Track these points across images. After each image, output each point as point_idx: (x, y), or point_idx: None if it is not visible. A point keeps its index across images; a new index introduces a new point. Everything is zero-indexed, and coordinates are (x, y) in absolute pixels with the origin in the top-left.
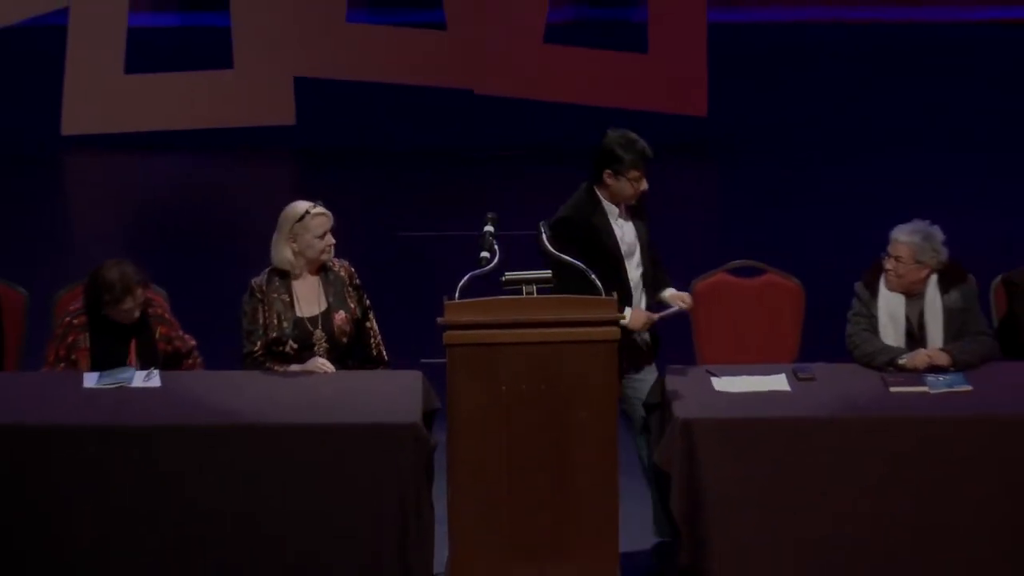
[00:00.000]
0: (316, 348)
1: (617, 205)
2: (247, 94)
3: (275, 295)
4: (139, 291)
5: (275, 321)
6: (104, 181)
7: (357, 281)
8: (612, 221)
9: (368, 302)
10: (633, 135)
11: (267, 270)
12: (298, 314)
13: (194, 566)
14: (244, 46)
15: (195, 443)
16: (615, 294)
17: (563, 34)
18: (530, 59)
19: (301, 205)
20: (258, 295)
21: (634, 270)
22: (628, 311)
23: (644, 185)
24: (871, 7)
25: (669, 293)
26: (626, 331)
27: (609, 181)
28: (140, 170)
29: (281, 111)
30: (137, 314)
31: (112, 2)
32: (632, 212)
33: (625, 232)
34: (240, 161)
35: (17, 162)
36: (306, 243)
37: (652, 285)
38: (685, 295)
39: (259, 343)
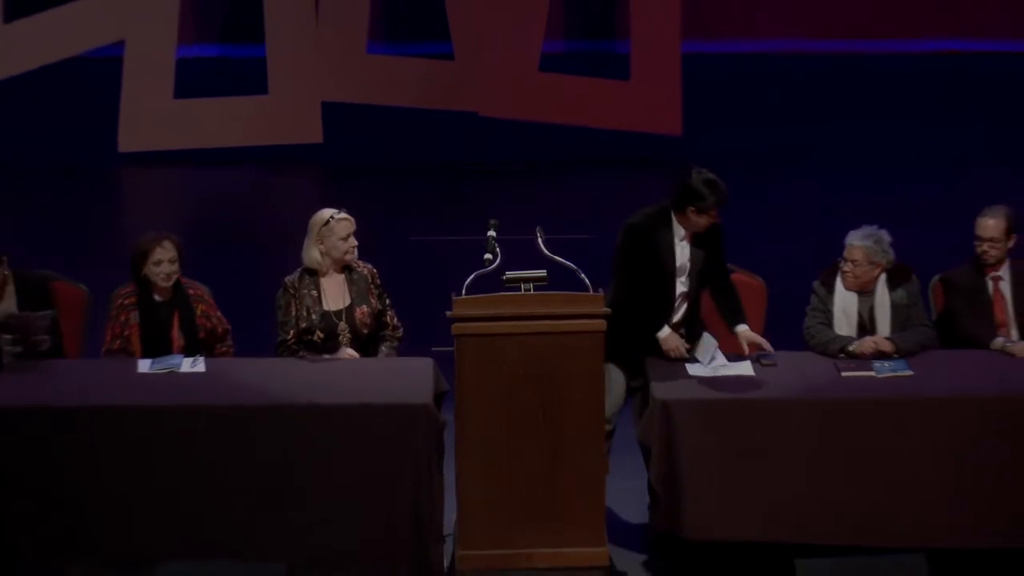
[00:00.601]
0: (340, 338)
1: (686, 231)
2: (280, 116)
3: (305, 291)
4: (169, 244)
5: (305, 313)
6: (155, 191)
7: (378, 280)
8: (676, 242)
9: (388, 300)
10: (715, 177)
11: (299, 269)
12: (325, 308)
13: (234, 527)
14: (277, 74)
15: (235, 421)
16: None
17: (556, 63)
18: (527, 85)
19: (326, 212)
20: (290, 290)
21: (680, 287)
22: (666, 328)
23: (717, 220)
24: (827, 40)
25: (742, 329)
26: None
27: (691, 215)
28: (186, 182)
29: (310, 131)
30: (170, 270)
31: (162, 35)
32: (693, 238)
33: (682, 254)
34: (274, 174)
35: (80, 175)
36: (331, 245)
37: (725, 312)
38: (757, 341)
39: (291, 332)
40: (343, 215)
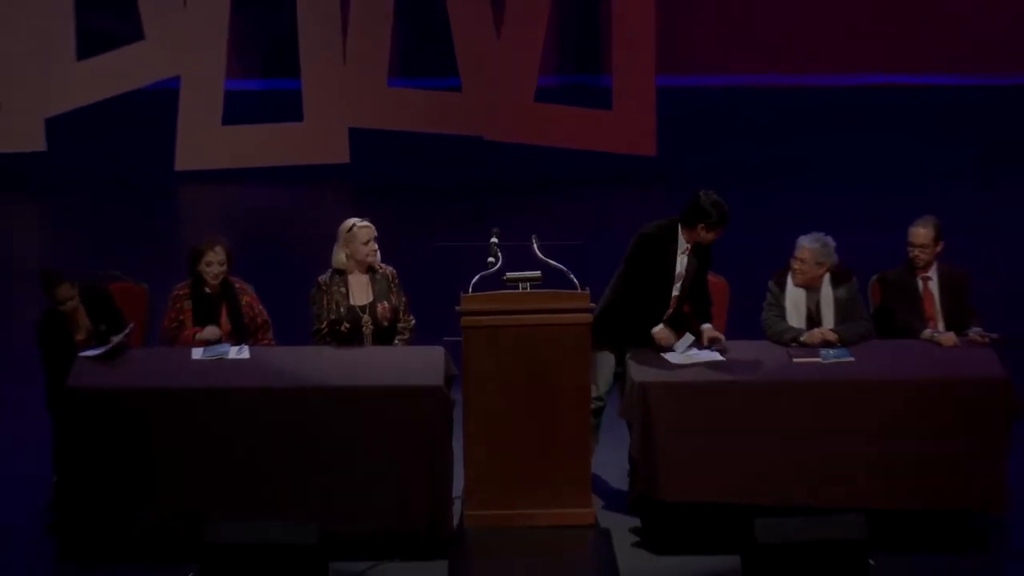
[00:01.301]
0: (363, 329)
1: (689, 244)
2: (312, 140)
3: (335, 288)
4: (220, 248)
5: (334, 307)
6: (207, 204)
7: (397, 281)
8: (679, 252)
9: (405, 298)
10: (721, 200)
11: (331, 269)
12: (351, 303)
13: (275, 492)
14: (311, 104)
15: (275, 400)
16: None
17: (548, 95)
18: (524, 113)
19: (351, 220)
20: (322, 287)
21: (675, 291)
22: (661, 325)
23: (720, 235)
24: (782, 74)
25: (707, 327)
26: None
27: (701, 231)
28: (233, 196)
29: (338, 153)
30: (219, 271)
31: (212, 71)
32: (692, 250)
33: (682, 263)
34: (307, 190)
35: (143, 191)
36: (355, 249)
37: (697, 313)
38: (716, 336)
39: (324, 323)
40: (364, 223)
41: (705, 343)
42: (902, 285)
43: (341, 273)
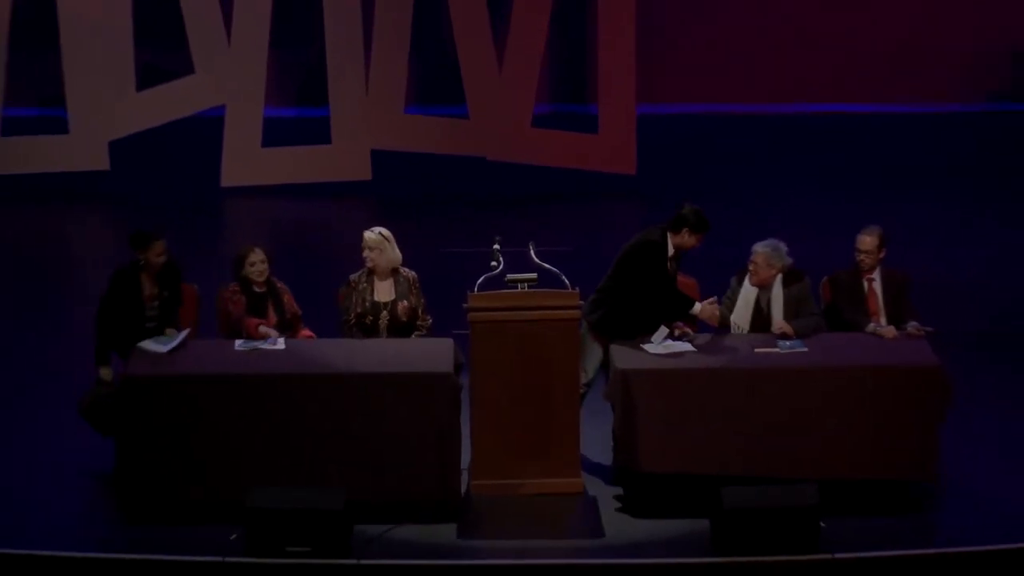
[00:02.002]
0: (380, 322)
1: (674, 250)
2: (339, 160)
3: (363, 285)
4: (259, 250)
5: (360, 301)
6: (248, 216)
7: (418, 285)
8: (668, 256)
9: (423, 300)
10: (702, 211)
11: (365, 269)
12: (375, 299)
13: (307, 462)
14: (338, 129)
15: (306, 385)
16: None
17: (543, 121)
18: (522, 137)
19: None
20: (352, 284)
21: (669, 290)
22: (698, 304)
23: (701, 241)
24: (744, 104)
25: (699, 307)
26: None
27: (685, 236)
28: (271, 209)
29: (362, 171)
30: (262, 268)
31: (253, 100)
32: (674, 256)
33: (671, 267)
34: (334, 203)
35: (193, 205)
36: (365, 255)
37: (680, 308)
38: (686, 330)
39: (352, 314)
40: (368, 232)
41: (678, 335)
42: (850, 285)
43: (371, 274)
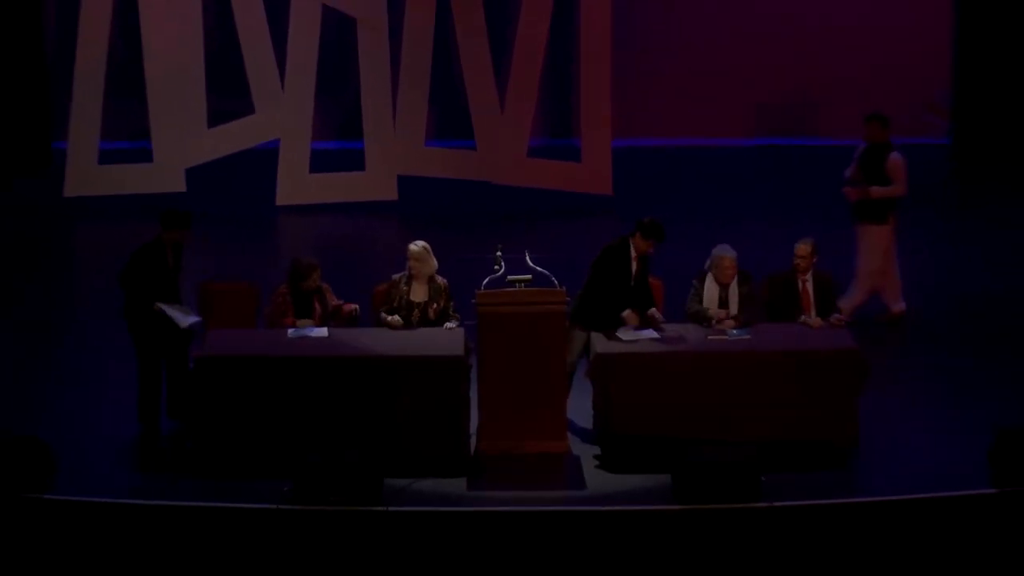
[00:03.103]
0: (413, 318)
1: (636, 253)
2: (371, 183)
3: (403, 286)
4: (316, 273)
5: (399, 298)
6: (298, 229)
7: (448, 290)
8: (631, 259)
9: (453, 302)
10: (656, 220)
11: (407, 273)
12: (411, 299)
13: (346, 429)
14: (371, 159)
15: (345, 365)
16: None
17: (537, 152)
18: (520, 165)
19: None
20: (394, 283)
21: (630, 286)
22: (628, 311)
23: (652, 247)
24: (703, 138)
25: (651, 311)
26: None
27: (639, 240)
28: (317, 223)
29: (390, 193)
30: (315, 285)
31: (301, 135)
32: (639, 258)
33: (633, 268)
34: (367, 219)
35: (254, 220)
36: (409, 264)
37: (643, 302)
38: (655, 317)
39: (386, 306)
40: (412, 245)
41: (647, 324)
42: (787, 284)
43: (412, 278)
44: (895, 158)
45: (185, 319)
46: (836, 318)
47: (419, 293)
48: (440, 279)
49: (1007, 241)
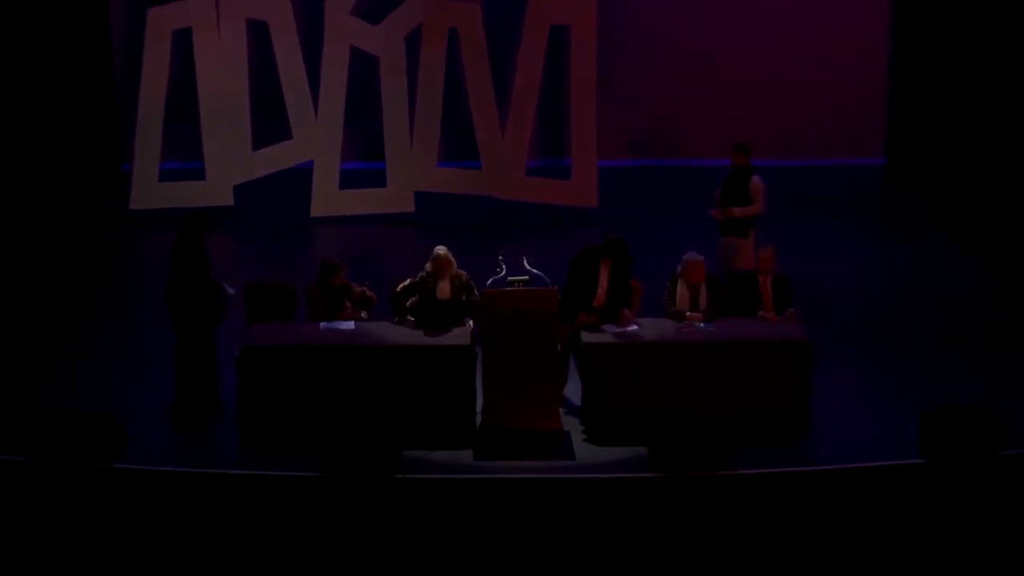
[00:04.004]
0: (439, 314)
1: (603, 260)
2: (392, 198)
3: (428, 283)
4: (341, 272)
5: (424, 292)
6: (330, 237)
7: (470, 281)
8: (599, 266)
9: (476, 295)
10: (615, 236)
11: (433, 272)
12: (436, 296)
13: (366, 406)
14: (391, 177)
15: (369, 353)
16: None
17: (533, 171)
18: (519, 182)
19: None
20: (423, 277)
21: (599, 289)
22: (582, 313)
23: (611, 258)
24: (677, 159)
25: (624, 312)
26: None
27: (601, 251)
28: (345, 232)
29: (407, 206)
30: (341, 282)
31: (332, 157)
32: (610, 265)
33: (603, 272)
34: (388, 228)
35: (291, 227)
36: (432, 264)
37: (618, 302)
38: (628, 316)
39: (400, 287)
40: (437, 252)
41: (624, 322)
42: (750, 282)
43: (437, 277)
44: (756, 181)
45: (229, 289)
46: (790, 313)
47: (443, 291)
48: (462, 273)
49: (931, 248)
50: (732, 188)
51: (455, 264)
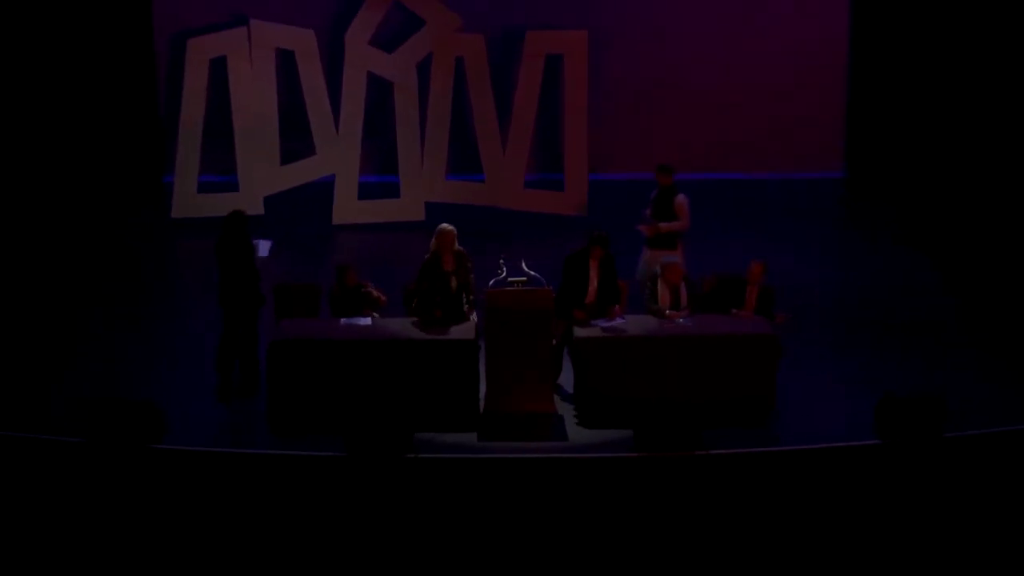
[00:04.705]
0: (450, 283)
1: (595, 259)
2: (406, 208)
3: (436, 259)
4: (351, 271)
5: (434, 270)
6: (350, 242)
7: (469, 258)
8: (589, 264)
9: (472, 276)
10: (602, 232)
11: (434, 251)
12: (444, 269)
13: (382, 394)
14: (404, 189)
15: (384, 347)
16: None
17: (531, 184)
18: (518, 194)
19: (440, 226)
20: (430, 257)
21: (591, 288)
22: (576, 310)
23: (600, 253)
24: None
25: (614, 308)
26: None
27: (594, 247)
28: (364, 237)
29: (418, 215)
30: (354, 281)
31: (351, 171)
32: (599, 263)
33: (594, 270)
34: (401, 234)
35: (314, 235)
36: (439, 241)
37: (608, 299)
38: (617, 312)
39: (424, 285)
40: (443, 228)
41: (613, 317)
42: (737, 287)
43: (443, 252)
44: (680, 199)
45: (264, 247)
46: (779, 316)
47: (449, 263)
48: (461, 249)
49: (886, 252)
50: (659, 206)
51: (456, 239)
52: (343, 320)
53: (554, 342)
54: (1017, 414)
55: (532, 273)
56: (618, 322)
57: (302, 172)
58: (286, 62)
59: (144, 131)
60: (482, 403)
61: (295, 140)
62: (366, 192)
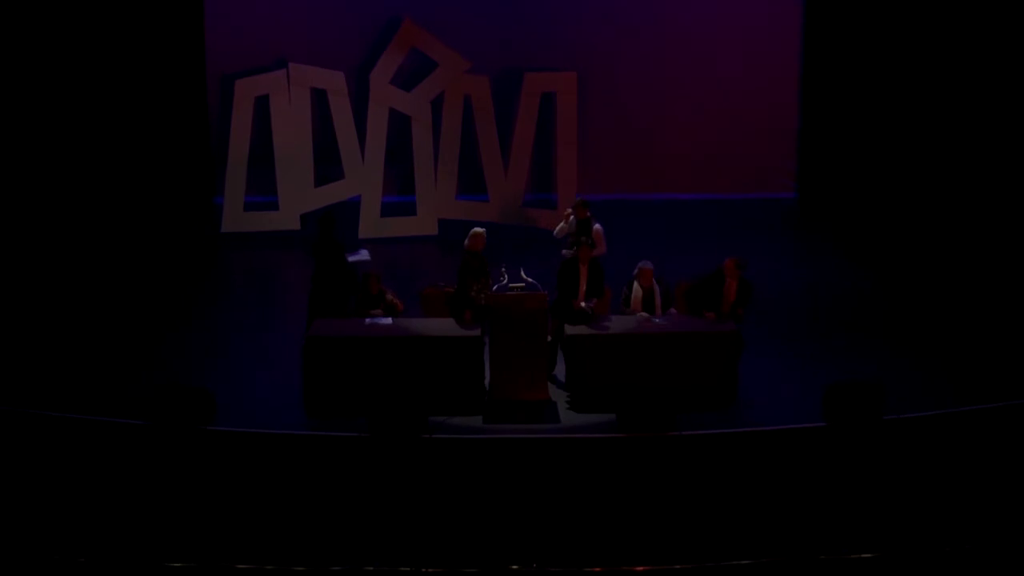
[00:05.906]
0: (486, 275)
1: (584, 262)
2: (420, 224)
3: (470, 259)
4: (373, 279)
5: (475, 268)
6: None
7: (487, 267)
8: (579, 267)
9: (489, 271)
10: (586, 238)
11: (468, 251)
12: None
13: (399, 383)
14: (420, 207)
15: (403, 342)
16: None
17: (528, 202)
18: (518, 212)
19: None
20: (468, 256)
21: (582, 286)
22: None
23: (588, 257)
24: (647, 193)
25: (595, 300)
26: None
27: (584, 251)
28: (385, 249)
29: (432, 230)
30: (377, 288)
31: (375, 192)
32: (588, 265)
33: (582, 273)
34: (418, 246)
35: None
36: (472, 242)
37: (594, 294)
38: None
39: (473, 271)
40: (475, 231)
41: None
42: (716, 282)
43: (476, 250)
44: (597, 228)
45: (355, 256)
46: (739, 312)
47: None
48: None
49: (834, 263)
50: (581, 234)
51: (472, 239)
52: (367, 319)
53: (549, 339)
54: (946, 399)
55: (529, 280)
56: (585, 306)
57: (333, 193)
58: (319, 99)
59: (198, 159)
60: (487, 390)
61: (327, 166)
62: (387, 210)
